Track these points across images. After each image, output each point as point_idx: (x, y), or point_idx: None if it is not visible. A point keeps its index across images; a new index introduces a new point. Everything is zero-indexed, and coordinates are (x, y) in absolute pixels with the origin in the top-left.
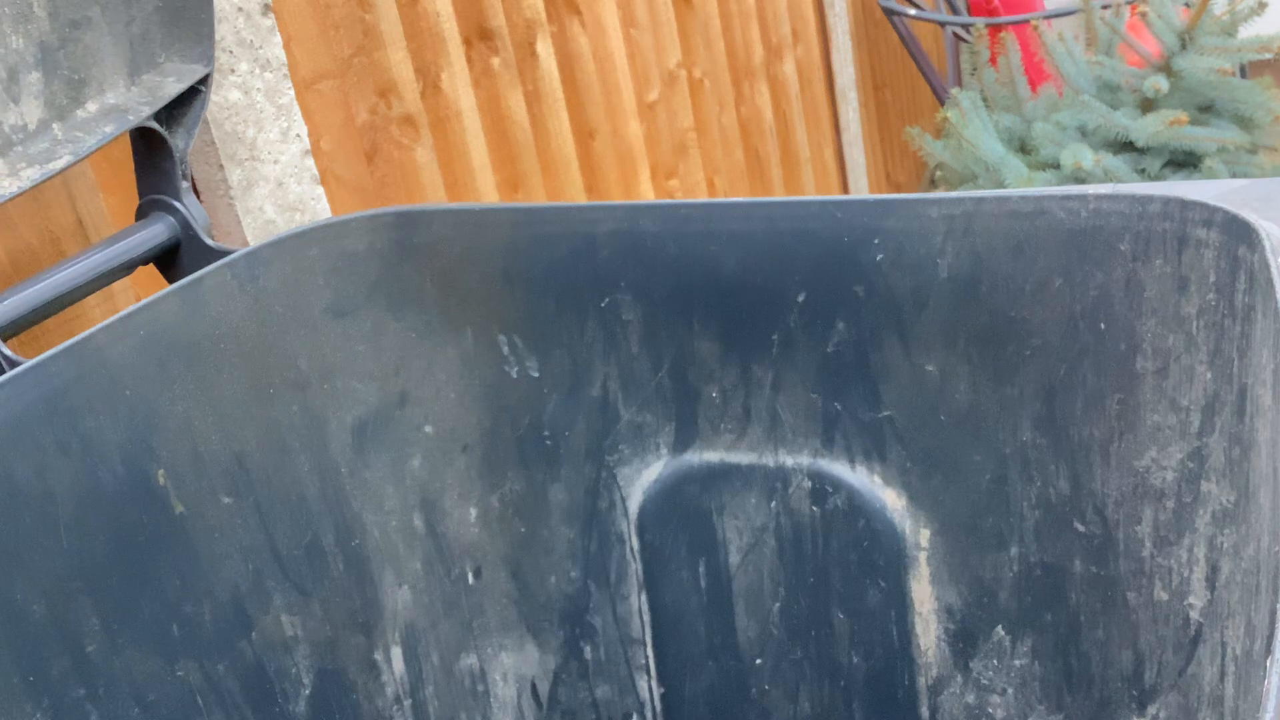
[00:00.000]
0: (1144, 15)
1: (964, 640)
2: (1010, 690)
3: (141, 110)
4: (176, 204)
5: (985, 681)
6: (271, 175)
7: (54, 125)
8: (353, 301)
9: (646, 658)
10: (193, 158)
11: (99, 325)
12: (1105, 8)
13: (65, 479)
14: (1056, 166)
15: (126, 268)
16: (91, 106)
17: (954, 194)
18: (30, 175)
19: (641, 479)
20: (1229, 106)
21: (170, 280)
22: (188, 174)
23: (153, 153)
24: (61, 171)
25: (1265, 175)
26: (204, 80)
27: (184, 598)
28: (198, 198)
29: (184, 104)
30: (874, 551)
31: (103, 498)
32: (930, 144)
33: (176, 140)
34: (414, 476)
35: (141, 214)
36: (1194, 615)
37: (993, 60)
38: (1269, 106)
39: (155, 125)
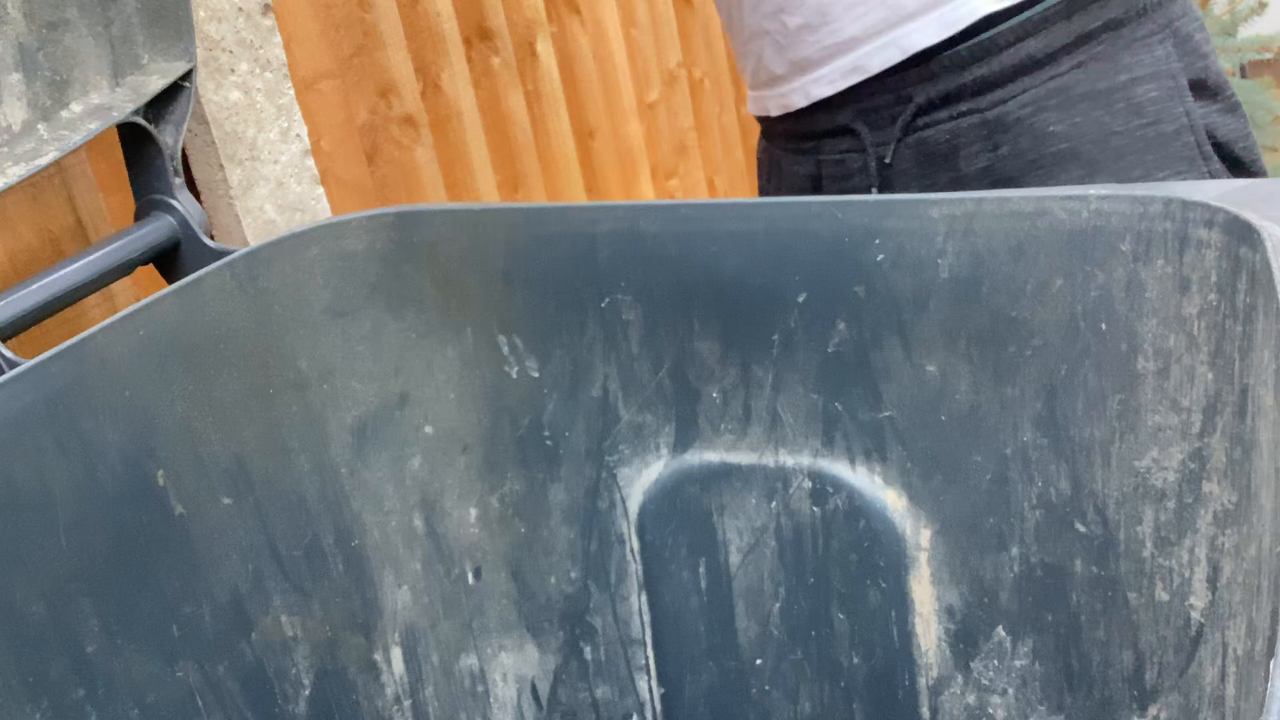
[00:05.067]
0: None
1: (965, 641)
2: (1011, 690)
3: (125, 107)
4: (174, 202)
5: (986, 682)
6: (271, 175)
7: (39, 126)
8: (353, 301)
9: (646, 658)
10: (193, 158)
11: (99, 325)
12: None
13: (65, 479)
14: None
15: (126, 268)
16: (76, 107)
17: (954, 194)
18: (16, 173)
19: (641, 479)
20: None
21: (170, 280)
22: (179, 171)
23: (143, 151)
24: (46, 166)
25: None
26: (187, 76)
27: (184, 598)
28: (196, 197)
29: (170, 100)
30: (874, 552)
31: (103, 498)
32: None
33: (165, 137)
34: (414, 476)
35: (140, 214)
36: (1195, 616)
37: None
38: (1269, 106)
39: (142, 121)
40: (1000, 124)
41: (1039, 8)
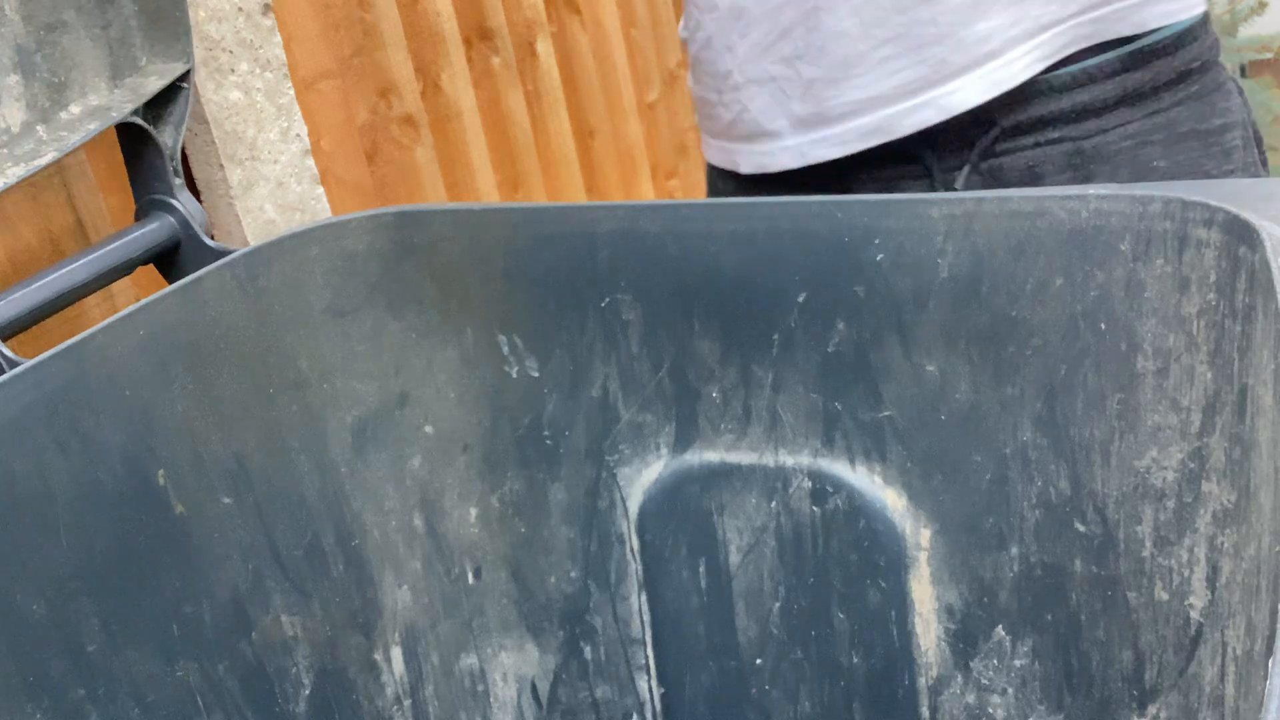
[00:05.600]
0: None
1: (964, 640)
2: (1010, 690)
3: (124, 107)
4: (174, 202)
5: (985, 681)
6: (271, 175)
7: (38, 127)
8: (353, 301)
9: (646, 658)
10: (193, 158)
11: (99, 325)
12: None
13: (65, 479)
14: None
15: (126, 268)
16: (75, 109)
17: (954, 194)
18: (16, 173)
19: (641, 479)
20: None
21: (170, 280)
22: (179, 171)
23: (142, 151)
24: (45, 167)
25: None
26: (185, 77)
27: (184, 598)
28: (196, 197)
29: (168, 101)
30: (874, 551)
31: (103, 498)
32: None
33: (164, 137)
34: (414, 476)
35: (140, 214)
36: (1194, 615)
37: None
38: (1269, 106)
39: (140, 121)
40: (1099, 154)
41: (1132, 46)
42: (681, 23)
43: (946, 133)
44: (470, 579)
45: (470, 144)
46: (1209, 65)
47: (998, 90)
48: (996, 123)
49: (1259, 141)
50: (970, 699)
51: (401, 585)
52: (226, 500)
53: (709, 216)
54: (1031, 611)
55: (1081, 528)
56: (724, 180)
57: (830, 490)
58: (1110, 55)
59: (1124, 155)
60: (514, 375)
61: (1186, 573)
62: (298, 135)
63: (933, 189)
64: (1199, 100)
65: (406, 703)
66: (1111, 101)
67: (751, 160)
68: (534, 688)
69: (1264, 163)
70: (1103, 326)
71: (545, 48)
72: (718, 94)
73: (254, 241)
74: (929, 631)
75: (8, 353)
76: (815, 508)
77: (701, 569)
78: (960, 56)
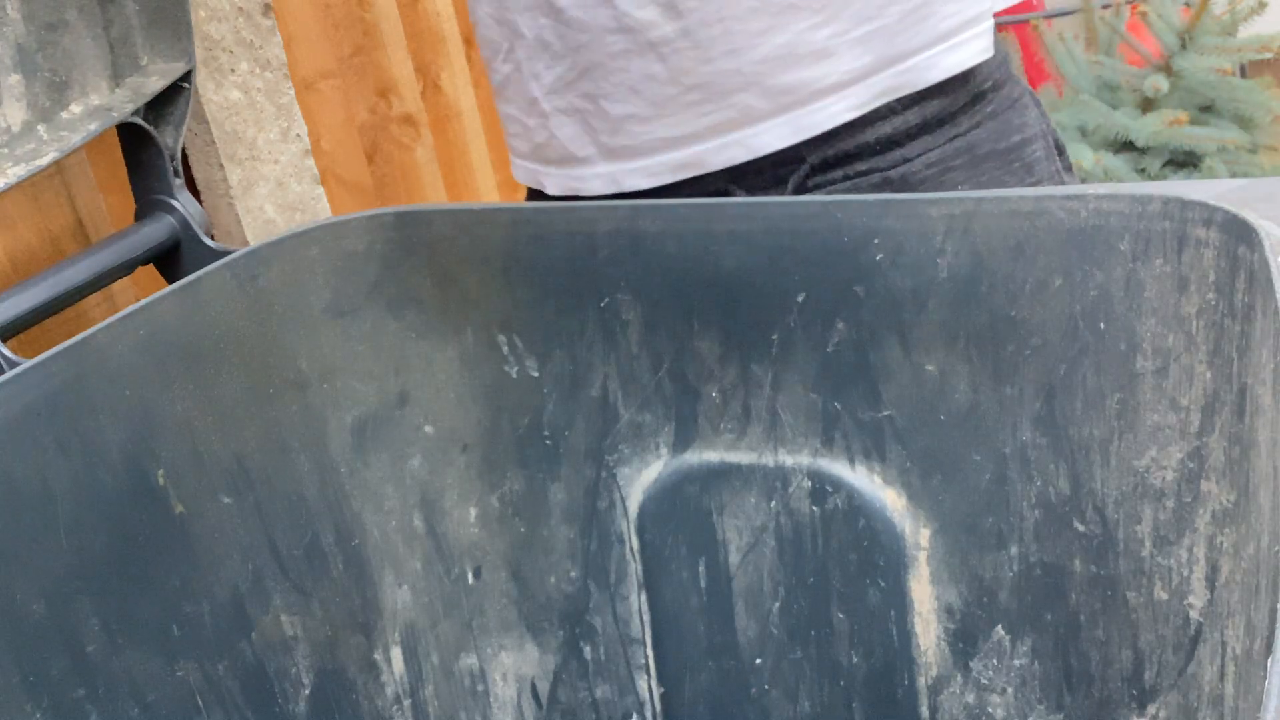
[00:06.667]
0: (1144, 15)
1: (964, 640)
2: (1010, 690)
3: (125, 108)
4: (174, 202)
5: (985, 681)
6: (271, 175)
7: (39, 127)
8: (353, 301)
9: (646, 658)
10: (193, 158)
11: (99, 325)
12: (1105, 7)
13: (65, 479)
14: None
15: (126, 268)
16: (76, 108)
17: (954, 194)
18: (16, 173)
19: (641, 479)
20: (1229, 106)
21: (170, 280)
22: (179, 171)
23: (143, 151)
24: (46, 167)
25: (1265, 175)
26: (186, 77)
27: (184, 598)
28: (196, 197)
29: (169, 101)
30: (874, 551)
31: (103, 498)
32: None
33: (165, 138)
34: (414, 476)
35: (140, 214)
36: (1194, 615)
37: None
38: (1269, 106)
39: (141, 122)
40: (906, 184)
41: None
42: (481, 45)
43: (758, 170)
44: (470, 579)
45: (470, 144)
46: (1001, 83)
47: (804, 135)
48: (805, 159)
49: (1061, 150)
50: (970, 699)
51: (401, 585)
52: (226, 500)
53: (709, 216)
54: (1031, 611)
55: (1081, 527)
56: (535, 197)
57: (830, 490)
58: None
59: (930, 183)
60: (514, 375)
61: (1186, 572)
62: (298, 135)
63: None
64: (995, 119)
65: (406, 703)
66: (914, 131)
67: (561, 183)
68: (534, 688)
69: (1068, 168)
70: (1102, 326)
71: None
72: (534, 116)
73: (254, 241)
74: (929, 631)
75: (8, 353)
76: (815, 507)
77: (701, 569)
78: (767, 104)
